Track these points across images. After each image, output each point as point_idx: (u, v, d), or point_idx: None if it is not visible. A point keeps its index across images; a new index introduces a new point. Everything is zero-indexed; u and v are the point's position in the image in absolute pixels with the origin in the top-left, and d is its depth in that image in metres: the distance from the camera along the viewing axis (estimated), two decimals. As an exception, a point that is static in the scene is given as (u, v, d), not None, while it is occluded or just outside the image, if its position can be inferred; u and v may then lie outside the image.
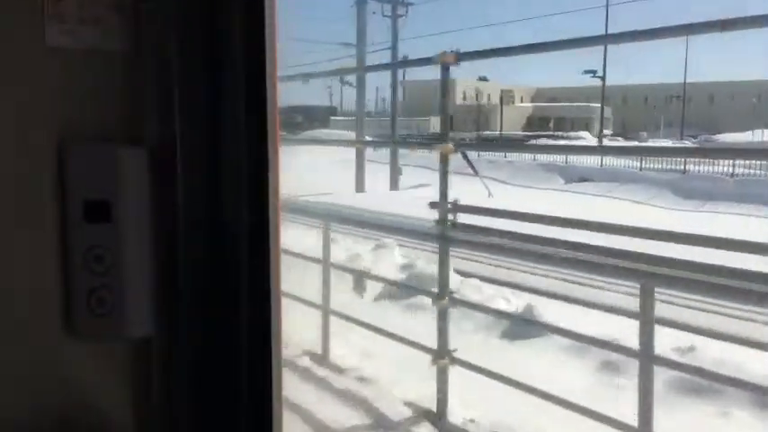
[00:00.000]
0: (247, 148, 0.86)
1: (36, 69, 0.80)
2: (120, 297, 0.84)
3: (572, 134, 52.20)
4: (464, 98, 74.01)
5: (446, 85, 4.87)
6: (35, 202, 0.81)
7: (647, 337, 3.64)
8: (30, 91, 0.80)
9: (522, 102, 74.47)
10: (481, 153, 27.90)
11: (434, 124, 60.90)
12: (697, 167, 27.17)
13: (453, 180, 4.74)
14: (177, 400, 0.88)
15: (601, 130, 42.49)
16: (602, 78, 43.37)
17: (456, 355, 4.69)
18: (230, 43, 0.85)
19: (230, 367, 0.88)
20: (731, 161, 24.87)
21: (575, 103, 66.51)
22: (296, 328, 5.49)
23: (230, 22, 0.85)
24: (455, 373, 4.71)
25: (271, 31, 0.86)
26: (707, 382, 4.81)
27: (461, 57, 4.60)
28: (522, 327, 6.48)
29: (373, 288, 7.87)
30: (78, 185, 0.82)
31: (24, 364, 0.82)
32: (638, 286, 3.74)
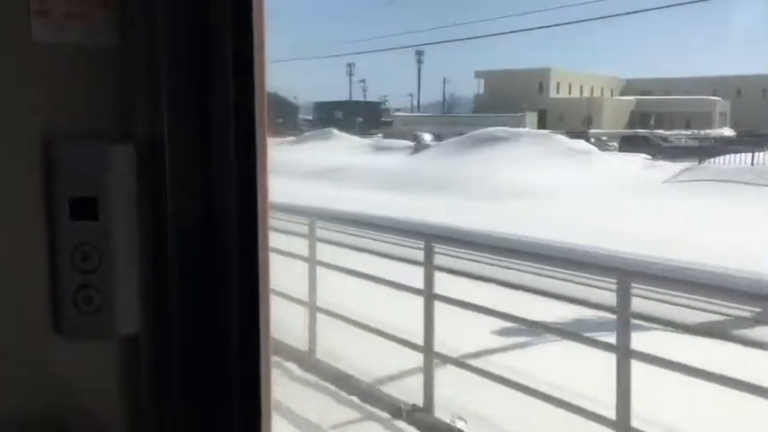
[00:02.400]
0: (236, 146, 0.85)
1: (21, 65, 0.80)
2: (107, 295, 0.84)
3: (711, 132, 43.88)
4: (557, 90, 69.13)
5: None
6: (20, 199, 0.81)
7: None
8: (15, 87, 0.80)
9: (611, 95, 69.92)
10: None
11: (531, 121, 54.76)
12: None
13: None
14: (166, 398, 0.87)
15: None
16: None
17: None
18: (219, 39, 0.84)
19: (219, 365, 0.87)
20: None
21: (690, 96, 57.12)
22: None
23: (219, 18, 0.84)
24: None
25: (260, 27, 0.84)
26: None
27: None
28: None
29: None
30: (65, 183, 0.82)
31: (11, 363, 0.82)
32: None
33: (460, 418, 4.69)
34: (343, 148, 36.40)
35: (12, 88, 0.80)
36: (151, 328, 0.86)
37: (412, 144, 36.52)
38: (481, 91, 71.79)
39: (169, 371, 0.87)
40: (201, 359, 0.87)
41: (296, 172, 25.51)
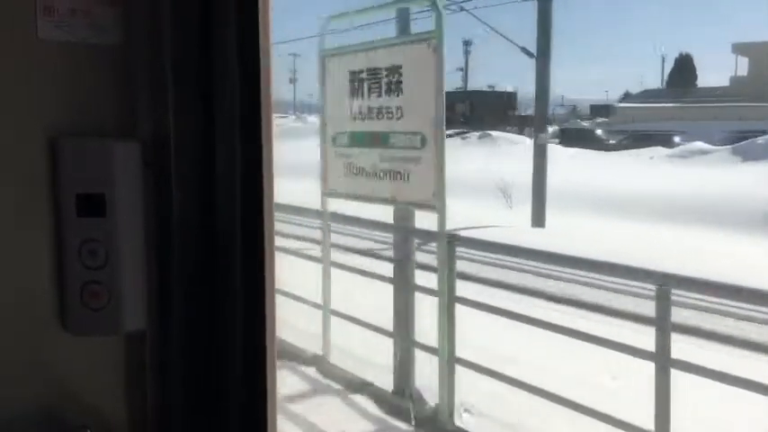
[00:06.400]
0: (242, 143, 0.84)
1: (28, 62, 0.80)
2: (113, 291, 0.84)
3: None
4: None
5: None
6: (28, 196, 0.82)
7: None
8: (22, 84, 0.80)
9: None
10: None
11: None
12: None
13: None
14: (171, 395, 0.87)
15: None
16: None
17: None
18: (224, 37, 0.84)
19: (224, 362, 0.87)
20: None
21: None
22: None
23: (224, 16, 0.83)
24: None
25: (265, 26, 0.83)
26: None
27: None
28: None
29: None
30: (71, 180, 0.82)
31: (18, 359, 0.82)
32: None
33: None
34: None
35: (18, 86, 0.80)
36: (157, 324, 0.86)
37: None
38: (743, 72, 47.68)
39: (175, 368, 0.87)
40: (207, 356, 0.87)
41: None
